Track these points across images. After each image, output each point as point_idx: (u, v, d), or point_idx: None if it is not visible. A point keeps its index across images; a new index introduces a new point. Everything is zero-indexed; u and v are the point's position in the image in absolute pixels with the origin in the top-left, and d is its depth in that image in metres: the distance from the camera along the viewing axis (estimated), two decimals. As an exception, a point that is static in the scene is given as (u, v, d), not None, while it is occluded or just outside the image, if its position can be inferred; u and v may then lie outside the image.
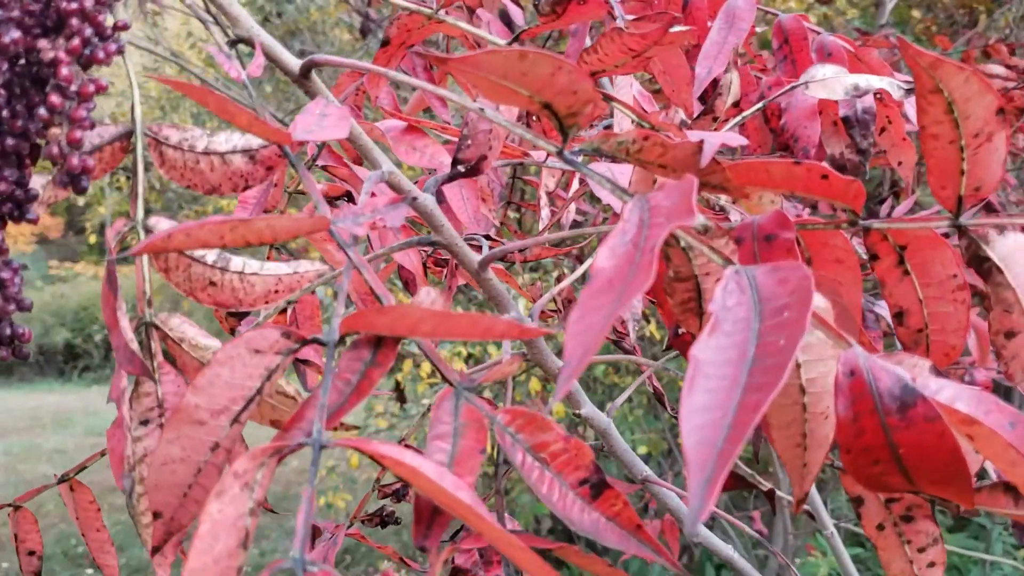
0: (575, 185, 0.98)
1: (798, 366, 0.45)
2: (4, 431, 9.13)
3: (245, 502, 0.38)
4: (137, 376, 0.49)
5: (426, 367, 3.55)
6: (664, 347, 0.61)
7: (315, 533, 0.77)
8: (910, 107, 0.95)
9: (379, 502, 0.73)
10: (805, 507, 1.21)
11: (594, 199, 1.32)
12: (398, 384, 3.88)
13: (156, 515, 0.45)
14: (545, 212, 0.91)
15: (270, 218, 0.40)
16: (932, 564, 0.52)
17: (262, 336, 0.42)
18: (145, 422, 0.49)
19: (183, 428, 0.43)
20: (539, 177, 0.93)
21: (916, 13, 3.69)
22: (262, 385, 0.43)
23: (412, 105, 1.16)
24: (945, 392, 0.40)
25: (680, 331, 0.54)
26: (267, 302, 0.51)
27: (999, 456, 0.39)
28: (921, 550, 0.52)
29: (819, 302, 0.43)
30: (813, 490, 1.09)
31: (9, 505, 0.64)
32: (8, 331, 0.42)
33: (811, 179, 0.46)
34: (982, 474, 0.67)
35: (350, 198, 0.73)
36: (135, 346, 0.45)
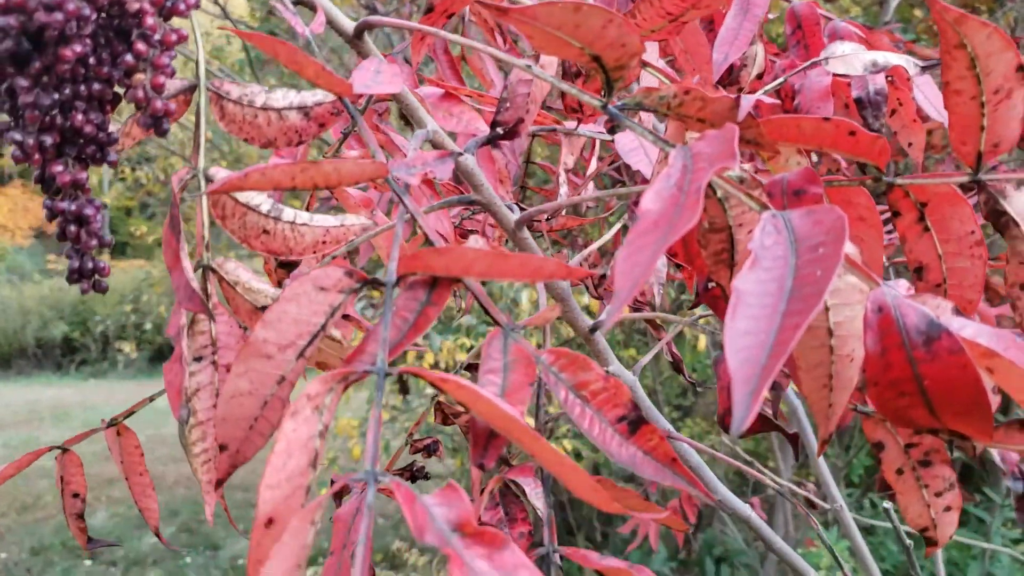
0: (593, 165, 1.01)
1: (827, 309, 0.47)
2: (2, 424, 9.15)
3: (315, 424, 0.41)
4: (192, 316, 0.52)
5: (428, 359, 3.57)
6: (692, 303, 0.63)
7: (343, 490, 0.80)
8: (919, 91, 0.98)
9: (409, 458, 0.75)
10: (807, 494, 1.24)
11: (605, 186, 1.35)
12: (400, 376, 3.91)
13: (222, 448, 0.47)
14: (564, 190, 0.94)
15: (336, 162, 0.43)
16: (948, 508, 0.55)
17: (327, 274, 0.45)
18: (199, 358, 0.52)
19: (251, 362, 0.45)
20: (551, 162, 0.96)
21: (918, 12, 3.72)
22: (326, 322, 0.46)
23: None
24: (967, 329, 0.42)
25: (710, 285, 0.57)
26: (315, 252, 0.54)
27: (1017, 387, 0.42)
28: (938, 494, 0.55)
29: (848, 247, 0.46)
30: (824, 465, 1.12)
31: (57, 448, 0.67)
32: (90, 265, 0.45)
33: (839, 134, 0.49)
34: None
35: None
36: (196, 285, 0.47)
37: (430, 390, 3.91)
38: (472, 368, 0.77)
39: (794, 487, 1.24)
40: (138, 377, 10.73)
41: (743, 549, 3.47)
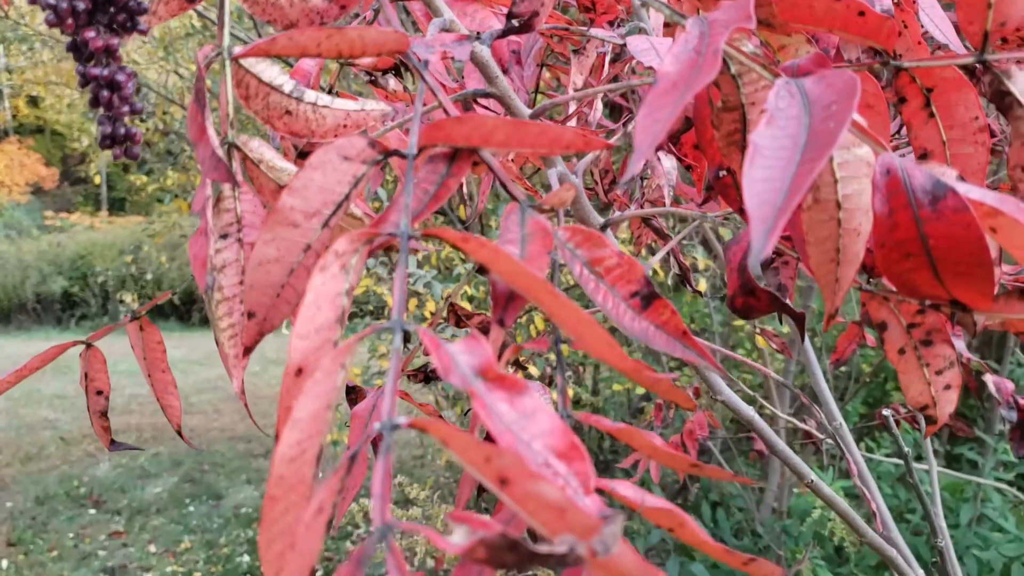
0: (606, 70, 1.02)
1: (835, 181, 0.49)
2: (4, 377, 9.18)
3: (342, 282, 0.42)
4: (218, 193, 0.53)
5: (430, 307, 3.59)
6: (702, 200, 0.64)
7: (359, 395, 0.82)
8: (924, 14, 0.99)
9: (424, 359, 0.77)
10: (808, 428, 1.26)
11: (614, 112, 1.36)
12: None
13: (250, 315, 0.49)
14: (572, 106, 0.95)
15: (361, 29, 0.44)
16: (948, 387, 0.57)
17: (351, 143, 0.46)
18: (224, 236, 0.53)
19: (278, 230, 0.47)
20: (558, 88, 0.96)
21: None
22: (350, 192, 0.47)
23: None
24: (973, 192, 0.44)
25: (721, 174, 0.58)
26: (336, 135, 0.55)
27: (1020, 244, 0.43)
28: (939, 372, 0.56)
29: (857, 117, 0.47)
30: (823, 384, 1.14)
31: (82, 342, 0.68)
32: (122, 131, 0.46)
33: (849, 15, 0.50)
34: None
35: (397, 72, 0.77)
36: (221, 153, 0.48)
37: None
38: (484, 331, 0.79)
39: (795, 421, 1.26)
40: (138, 331, 10.72)
41: (739, 493, 3.53)
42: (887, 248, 0.45)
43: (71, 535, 5.22)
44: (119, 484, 6.17)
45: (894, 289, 0.58)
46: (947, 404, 0.57)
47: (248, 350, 0.51)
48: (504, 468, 0.33)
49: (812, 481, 0.81)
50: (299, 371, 0.42)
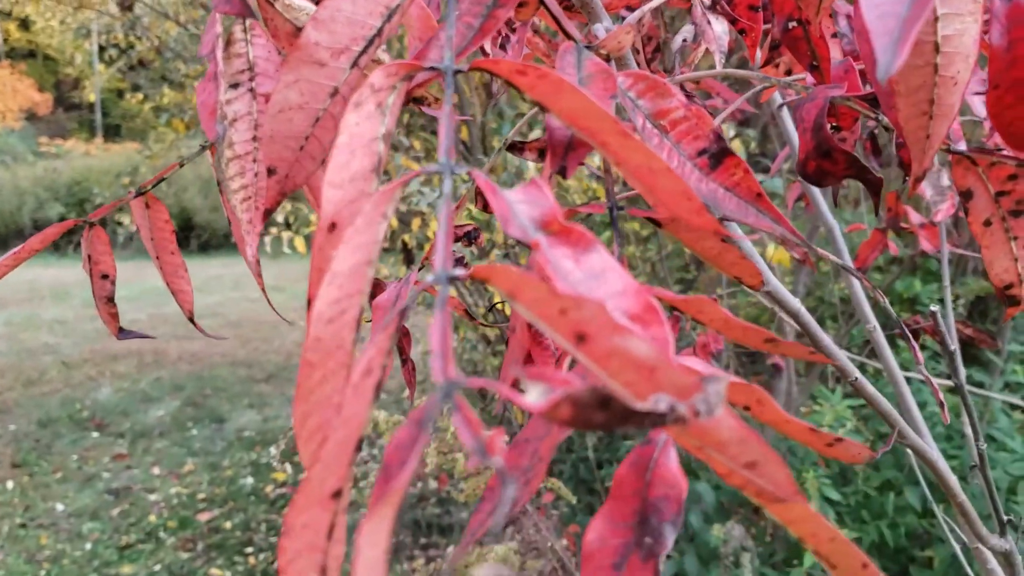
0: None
1: (936, 19, 0.43)
2: (4, 303, 9.18)
3: (378, 124, 0.37)
4: (229, 34, 0.47)
5: (433, 228, 3.52)
6: (763, 62, 0.58)
7: (378, 288, 0.77)
8: None
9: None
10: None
11: None
12: (405, 245, 3.85)
13: (270, 171, 0.44)
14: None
15: None
16: (1036, 264, 0.52)
17: (385, -33, 0.40)
18: (235, 85, 0.47)
19: (302, 69, 0.41)
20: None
21: None
22: (383, 25, 0.41)
23: None
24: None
25: (790, 25, 0.52)
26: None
27: None
28: (1027, 247, 0.51)
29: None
30: (858, 287, 1.09)
31: (84, 222, 0.62)
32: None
33: None
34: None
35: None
36: (235, -13, 0.42)
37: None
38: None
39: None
40: (136, 258, 10.70)
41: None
42: (1002, 89, 0.39)
43: (75, 457, 5.25)
44: (121, 407, 6.18)
45: (991, 147, 0.52)
46: (1035, 282, 0.52)
47: (268, 212, 0.45)
48: (583, 321, 0.28)
49: (856, 379, 0.77)
50: (333, 226, 0.37)
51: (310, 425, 0.34)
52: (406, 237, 3.69)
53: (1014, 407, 3.33)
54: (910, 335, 0.60)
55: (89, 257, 0.62)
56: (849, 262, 0.97)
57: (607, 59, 0.46)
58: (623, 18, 0.69)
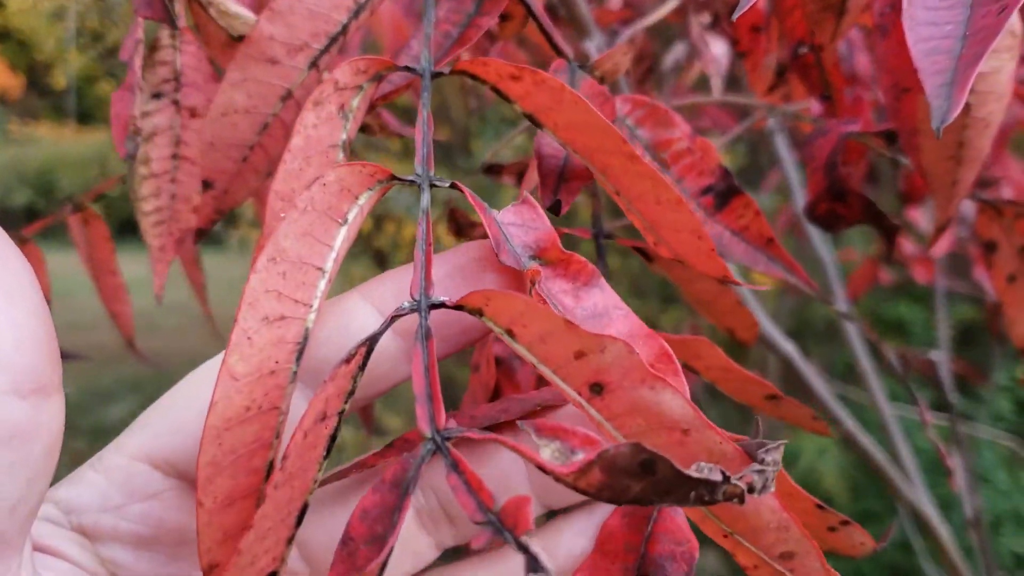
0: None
1: (975, 52, 0.38)
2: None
3: (339, 129, 0.31)
4: (153, 39, 0.42)
5: (408, 231, 3.45)
6: (769, 87, 0.53)
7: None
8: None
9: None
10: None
11: None
12: (380, 252, 3.78)
13: (206, 185, 0.38)
14: None
15: None
16: (1059, 325, 0.47)
17: (353, -46, 0.35)
18: (158, 95, 0.42)
19: (251, 68, 0.35)
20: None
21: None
22: (349, 22, 0.36)
23: None
24: None
25: (801, 51, 0.47)
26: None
27: None
28: (1050, 307, 0.47)
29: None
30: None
31: (19, 237, 0.55)
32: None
33: None
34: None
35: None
36: (162, -16, 0.37)
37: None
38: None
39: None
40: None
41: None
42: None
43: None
44: (81, 405, 6.04)
45: (1014, 200, 0.48)
46: (1058, 345, 0.47)
47: (202, 233, 0.40)
48: (604, 367, 0.23)
49: (849, 430, 0.72)
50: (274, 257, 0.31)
51: (218, 488, 0.27)
52: (380, 242, 3.61)
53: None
54: (922, 404, 0.56)
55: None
56: (844, 300, 0.93)
57: (600, 81, 0.40)
58: (615, 32, 0.64)
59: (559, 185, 0.34)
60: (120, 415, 5.75)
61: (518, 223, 0.29)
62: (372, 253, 3.84)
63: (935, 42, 0.27)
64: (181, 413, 0.29)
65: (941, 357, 0.87)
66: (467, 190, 0.29)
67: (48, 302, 0.59)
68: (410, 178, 0.29)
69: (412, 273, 0.26)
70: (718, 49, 0.58)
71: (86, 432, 5.51)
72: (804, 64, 0.48)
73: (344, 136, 0.31)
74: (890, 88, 0.42)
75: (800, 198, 1.00)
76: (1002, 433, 2.25)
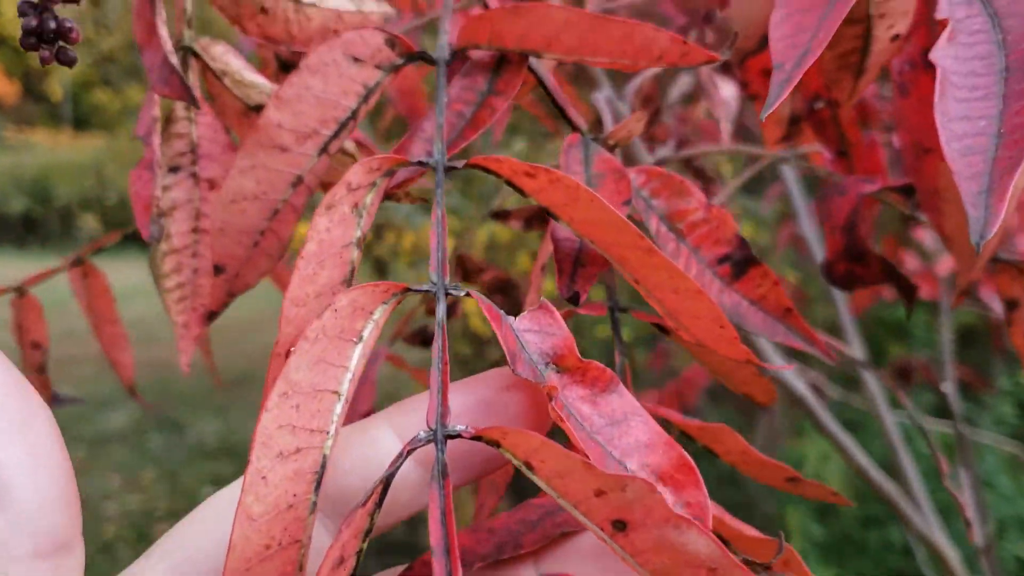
0: None
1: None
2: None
3: (353, 227, 0.30)
4: (169, 112, 0.41)
5: (407, 240, 3.44)
6: (783, 136, 0.52)
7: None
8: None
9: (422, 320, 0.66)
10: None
11: None
12: (379, 260, 3.77)
13: (218, 270, 0.37)
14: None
15: None
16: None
17: (363, 40, 0.34)
18: (175, 168, 0.41)
19: (260, 154, 0.34)
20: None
21: None
22: (358, 107, 0.35)
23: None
24: None
25: (817, 106, 0.47)
26: (323, 40, 0.42)
27: None
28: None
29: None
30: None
31: (13, 290, 0.55)
32: (52, 24, 0.33)
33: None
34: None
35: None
36: (174, 60, 0.36)
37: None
38: (498, 289, 0.65)
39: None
40: (101, 255, 10.49)
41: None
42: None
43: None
44: (81, 413, 6.03)
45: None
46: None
47: (212, 315, 0.39)
48: (625, 506, 0.22)
49: (861, 466, 0.71)
50: (290, 352, 0.30)
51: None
52: (379, 251, 3.59)
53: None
54: (928, 436, 0.55)
55: (20, 326, 0.55)
56: (853, 329, 0.92)
57: (612, 148, 0.40)
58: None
59: (576, 270, 0.33)
60: (120, 423, 5.75)
61: (535, 329, 0.28)
62: (372, 261, 3.83)
63: (969, 140, 0.26)
64: (199, 541, 0.28)
65: (949, 389, 0.86)
66: (481, 298, 0.28)
67: (41, 368, 0.59)
68: (424, 287, 0.28)
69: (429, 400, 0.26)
70: (727, 91, 0.57)
71: (87, 441, 5.51)
72: (821, 119, 0.47)
73: (358, 233, 0.31)
74: (910, 147, 0.42)
75: (805, 221, 0.99)
76: (1004, 438, 2.25)
